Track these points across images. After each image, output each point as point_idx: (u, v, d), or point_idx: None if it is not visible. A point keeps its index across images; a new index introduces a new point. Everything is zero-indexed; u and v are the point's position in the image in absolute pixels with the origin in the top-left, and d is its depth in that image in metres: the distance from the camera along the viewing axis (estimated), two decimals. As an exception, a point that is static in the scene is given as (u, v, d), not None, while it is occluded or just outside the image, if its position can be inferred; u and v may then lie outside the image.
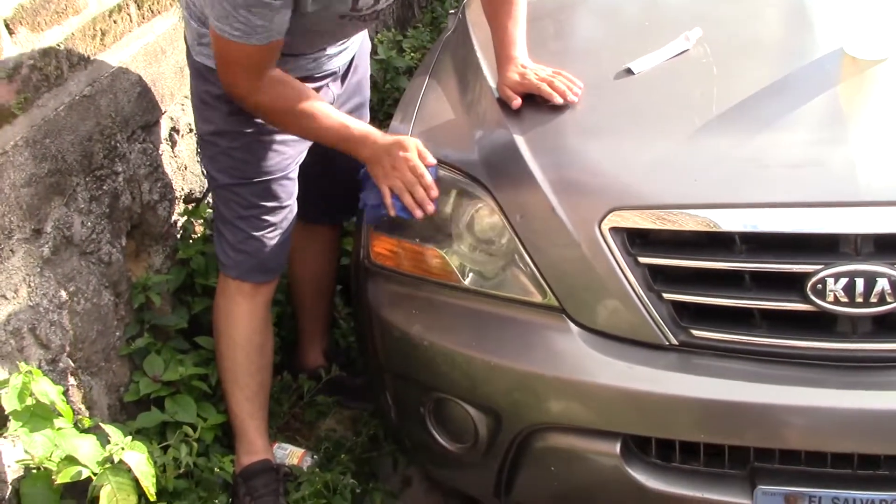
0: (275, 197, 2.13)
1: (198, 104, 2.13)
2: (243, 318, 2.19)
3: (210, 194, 2.25)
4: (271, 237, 2.16)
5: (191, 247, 2.46)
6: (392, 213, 1.88)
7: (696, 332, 1.69)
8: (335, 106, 2.18)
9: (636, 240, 1.71)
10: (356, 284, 2.10)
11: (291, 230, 2.21)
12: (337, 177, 2.26)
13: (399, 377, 1.98)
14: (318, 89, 2.13)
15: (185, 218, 2.51)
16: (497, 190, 1.83)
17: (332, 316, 2.70)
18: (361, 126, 1.96)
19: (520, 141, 1.87)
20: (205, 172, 2.21)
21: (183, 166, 2.53)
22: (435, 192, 1.85)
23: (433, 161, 1.88)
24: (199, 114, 2.13)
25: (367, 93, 2.39)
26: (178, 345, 2.32)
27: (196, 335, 2.36)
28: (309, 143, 2.17)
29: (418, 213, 1.86)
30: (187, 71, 2.47)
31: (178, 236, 2.48)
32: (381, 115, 3.64)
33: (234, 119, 2.04)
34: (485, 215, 1.86)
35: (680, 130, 1.82)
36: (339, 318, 2.78)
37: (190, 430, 2.10)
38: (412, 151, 1.87)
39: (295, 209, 2.20)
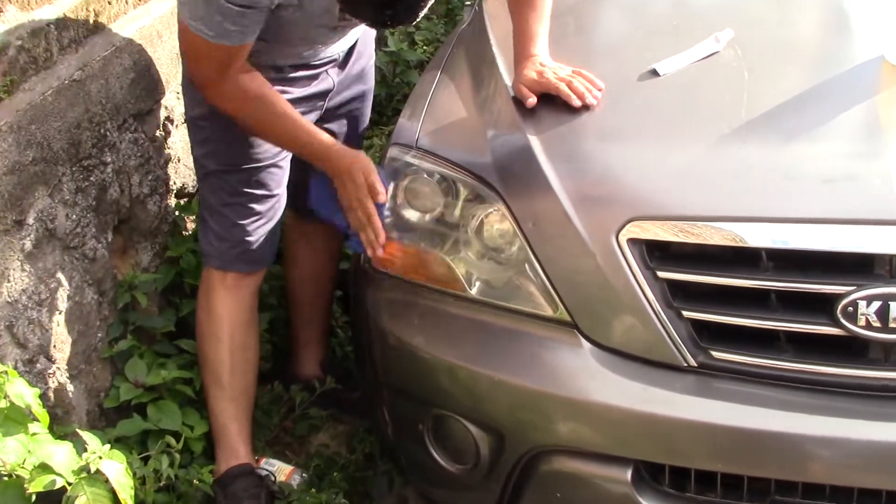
0: (262, 185, 2.18)
1: (187, 85, 2.18)
2: (226, 312, 2.22)
3: (198, 183, 2.31)
4: (257, 226, 2.20)
5: (181, 244, 2.47)
6: (351, 246, 1.99)
7: (716, 354, 1.69)
8: (333, 94, 2.22)
9: (655, 253, 1.71)
10: (355, 290, 2.10)
11: (280, 221, 2.26)
12: None
13: (397, 391, 1.98)
14: (315, 77, 2.16)
15: (177, 213, 2.52)
16: (509, 194, 1.84)
17: (330, 323, 2.70)
18: (323, 141, 2.02)
19: (535, 143, 1.87)
20: (193, 158, 2.29)
21: (176, 158, 2.54)
22: (382, 238, 1.93)
23: (383, 198, 1.94)
24: (189, 96, 2.18)
25: (371, 82, 2.41)
26: (163, 349, 2.33)
27: (184, 339, 2.37)
28: None
29: (369, 252, 1.95)
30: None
31: (169, 233, 2.49)
32: (390, 110, 3.65)
33: None
34: (495, 221, 1.86)
35: (706, 137, 1.82)
36: (337, 326, 2.78)
37: (172, 441, 2.10)
38: (361, 187, 1.94)
39: (284, 199, 2.25)
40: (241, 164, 2.14)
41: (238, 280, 2.22)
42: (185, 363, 2.31)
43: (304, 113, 2.12)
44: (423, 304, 1.91)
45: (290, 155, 2.22)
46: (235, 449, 2.22)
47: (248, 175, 2.16)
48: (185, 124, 2.28)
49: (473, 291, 1.87)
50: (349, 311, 2.55)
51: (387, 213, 1.95)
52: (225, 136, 2.12)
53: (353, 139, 2.35)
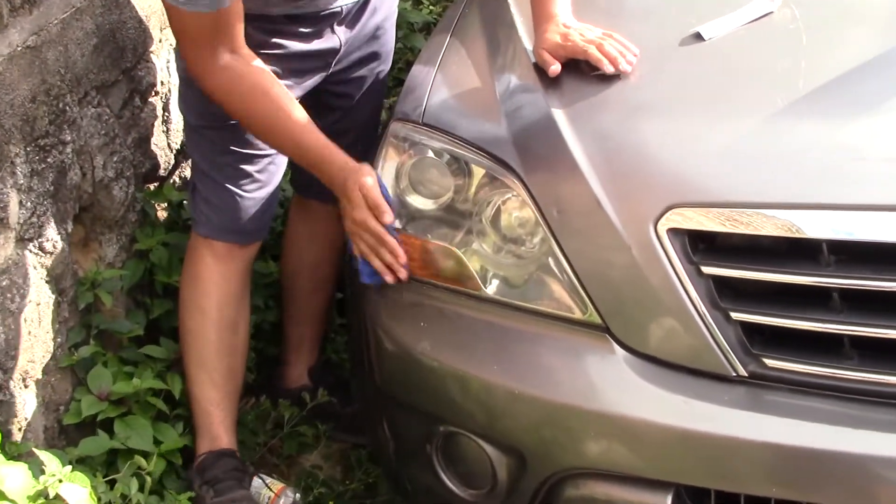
0: (249, 143, 2.23)
1: None
2: (214, 284, 2.27)
3: (186, 142, 2.44)
4: (248, 190, 2.26)
5: (151, 236, 2.47)
6: (361, 279, 1.95)
7: (769, 362, 1.69)
8: (341, 55, 2.27)
9: (700, 245, 1.71)
10: (351, 288, 2.10)
11: (276, 189, 2.31)
12: (340, 139, 2.22)
13: (400, 405, 1.99)
14: (317, 33, 2.19)
15: (146, 200, 2.52)
16: (530, 177, 1.84)
17: (326, 326, 2.71)
18: (319, 146, 2.00)
19: (560, 117, 1.87)
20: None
21: (145, 137, 2.54)
22: (402, 258, 1.89)
23: (389, 218, 1.90)
24: (179, 52, 2.27)
25: (390, 44, 2.45)
26: (130, 356, 2.33)
27: (154, 346, 2.37)
28: (301, 93, 2.23)
29: (389, 278, 1.91)
30: (154, 20, 2.49)
31: (137, 223, 2.49)
32: (390, 80, 3.63)
33: None
34: (514, 208, 1.86)
35: (758, 112, 1.81)
36: (333, 332, 2.79)
37: (143, 461, 2.11)
38: (359, 206, 1.91)
39: (280, 163, 2.30)
40: (224, 119, 2.19)
41: (228, 251, 2.28)
42: (156, 373, 2.31)
43: (304, 72, 2.17)
44: (430, 305, 1.92)
45: None
46: (218, 436, 2.28)
47: (232, 132, 2.21)
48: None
49: (489, 290, 1.88)
50: (345, 314, 2.56)
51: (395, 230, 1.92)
52: None
53: (370, 106, 2.43)
